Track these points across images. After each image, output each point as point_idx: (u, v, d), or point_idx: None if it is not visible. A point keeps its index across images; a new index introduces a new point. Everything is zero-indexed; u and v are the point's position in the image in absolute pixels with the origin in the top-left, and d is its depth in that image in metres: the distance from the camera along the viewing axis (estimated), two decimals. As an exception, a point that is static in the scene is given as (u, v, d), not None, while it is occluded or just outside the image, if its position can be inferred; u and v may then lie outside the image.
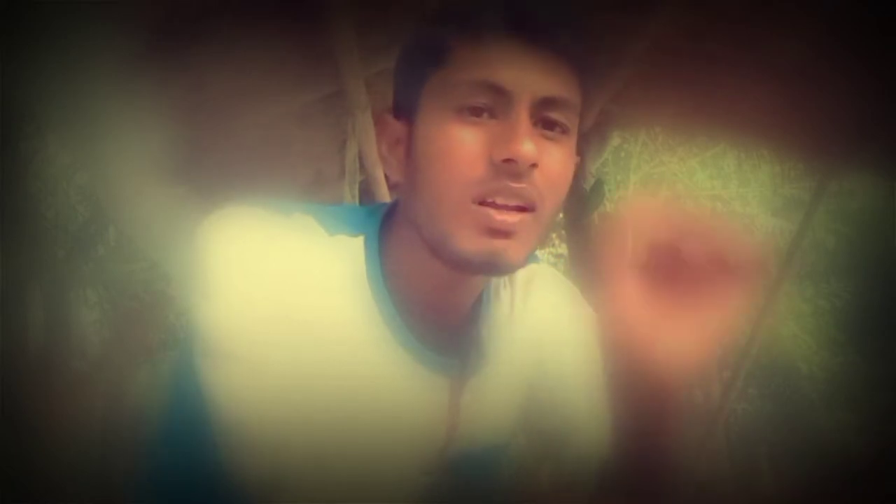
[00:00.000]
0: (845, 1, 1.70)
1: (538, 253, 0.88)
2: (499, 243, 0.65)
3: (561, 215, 3.67)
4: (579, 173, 2.52)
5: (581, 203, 2.55)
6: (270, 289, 0.66)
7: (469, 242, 0.66)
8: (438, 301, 0.73)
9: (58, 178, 5.45)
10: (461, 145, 0.66)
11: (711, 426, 2.98)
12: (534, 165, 0.65)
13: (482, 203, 0.65)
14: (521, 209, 0.66)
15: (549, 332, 0.84)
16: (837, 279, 6.45)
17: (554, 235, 5.03)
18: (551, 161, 0.67)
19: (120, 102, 1.63)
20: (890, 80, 1.84)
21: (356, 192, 2.32)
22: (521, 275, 0.83)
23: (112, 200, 2.11)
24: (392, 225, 0.74)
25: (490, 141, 0.65)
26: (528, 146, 0.64)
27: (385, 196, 1.87)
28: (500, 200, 0.65)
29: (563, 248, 4.39)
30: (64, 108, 1.70)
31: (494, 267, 0.67)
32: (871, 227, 5.93)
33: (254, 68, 1.79)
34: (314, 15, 1.74)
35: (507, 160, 0.64)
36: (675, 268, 0.58)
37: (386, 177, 1.91)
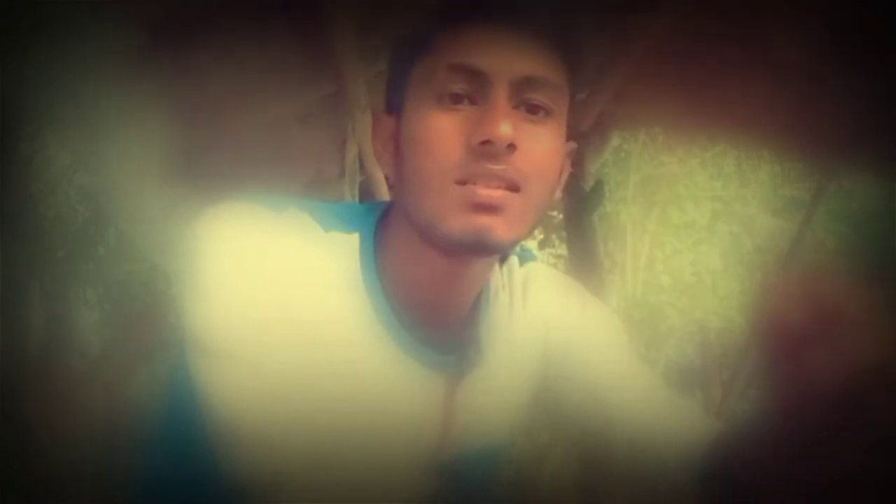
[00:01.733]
0: (845, 1, 1.70)
1: (536, 254, 0.87)
2: (485, 219, 0.65)
3: (560, 216, 3.67)
4: (579, 173, 2.53)
5: (581, 204, 2.55)
6: (263, 286, 0.66)
7: (455, 221, 0.66)
8: (436, 298, 0.73)
9: (58, 178, 5.43)
10: (440, 132, 0.66)
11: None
12: (511, 146, 0.64)
13: (465, 183, 0.65)
14: (504, 189, 0.65)
15: (553, 323, 0.84)
16: (837, 279, 6.42)
17: (554, 236, 5.02)
18: (535, 144, 0.66)
19: (120, 102, 1.63)
20: (890, 81, 1.84)
21: (356, 192, 2.32)
22: (518, 276, 0.83)
23: (112, 200, 2.11)
24: (389, 222, 0.74)
25: (469, 126, 0.65)
26: (504, 127, 0.64)
27: (385, 196, 1.87)
28: (480, 182, 0.65)
29: (563, 249, 4.38)
30: (64, 108, 1.70)
31: (483, 245, 0.66)
32: (871, 227, 5.92)
33: (254, 68, 1.79)
34: (314, 15, 1.74)
35: (484, 142, 0.64)
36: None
37: (386, 177, 1.90)
